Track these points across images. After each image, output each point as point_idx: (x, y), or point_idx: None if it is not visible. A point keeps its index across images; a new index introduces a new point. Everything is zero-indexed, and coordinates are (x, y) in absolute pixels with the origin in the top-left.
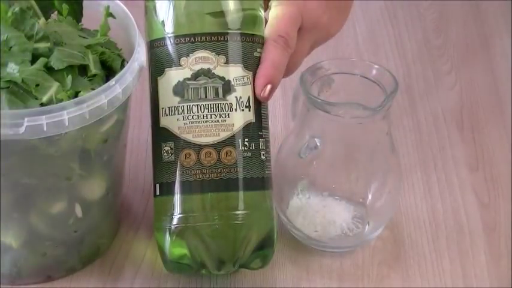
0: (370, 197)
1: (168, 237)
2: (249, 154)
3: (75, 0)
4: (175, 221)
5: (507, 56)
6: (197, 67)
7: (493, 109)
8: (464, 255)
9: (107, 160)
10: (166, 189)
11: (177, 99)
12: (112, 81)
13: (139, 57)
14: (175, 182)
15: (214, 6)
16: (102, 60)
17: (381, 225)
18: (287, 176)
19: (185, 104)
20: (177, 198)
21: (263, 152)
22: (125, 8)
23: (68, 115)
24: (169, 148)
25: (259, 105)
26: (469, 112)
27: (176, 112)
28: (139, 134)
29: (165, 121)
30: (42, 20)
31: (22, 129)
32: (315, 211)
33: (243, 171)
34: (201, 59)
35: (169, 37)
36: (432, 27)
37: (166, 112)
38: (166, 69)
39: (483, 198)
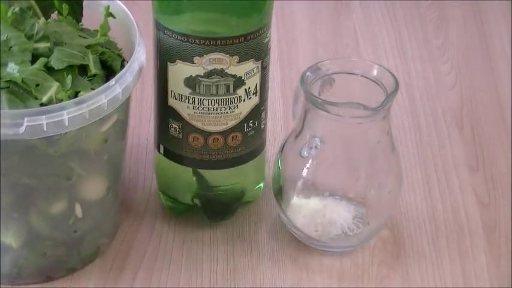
0: (370, 197)
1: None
2: (253, 132)
3: (75, 0)
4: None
5: (507, 56)
6: (210, 67)
7: (493, 109)
8: (464, 255)
9: (107, 160)
10: (172, 157)
11: (188, 90)
12: (112, 81)
13: (139, 57)
14: (182, 155)
15: (231, 9)
16: (102, 60)
17: (381, 225)
18: (287, 176)
19: (196, 97)
20: (182, 167)
21: (263, 122)
22: (125, 8)
23: (68, 115)
24: (177, 127)
25: (263, 87)
26: (469, 112)
27: (186, 101)
28: (139, 134)
29: (174, 103)
30: (42, 20)
31: (22, 129)
32: (315, 211)
33: (247, 147)
34: (215, 60)
35: (184, 34)
36: (432, 27)
37: (176, 97)
38: (178, 60)
39: (483, 198)
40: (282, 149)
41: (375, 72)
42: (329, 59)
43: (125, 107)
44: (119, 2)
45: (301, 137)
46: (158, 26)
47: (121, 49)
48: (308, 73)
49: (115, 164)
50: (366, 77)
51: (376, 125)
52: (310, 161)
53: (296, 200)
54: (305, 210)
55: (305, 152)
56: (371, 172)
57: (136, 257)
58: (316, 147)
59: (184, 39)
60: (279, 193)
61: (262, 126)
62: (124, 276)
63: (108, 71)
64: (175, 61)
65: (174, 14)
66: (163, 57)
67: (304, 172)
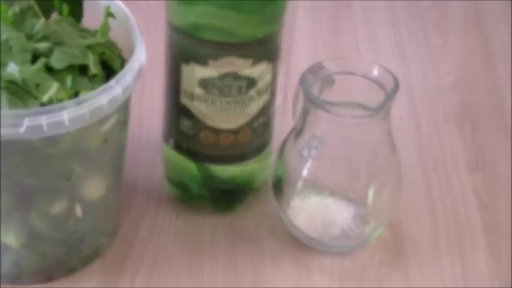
0: (370, 197)
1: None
2: (262, 128)
3: (75, 0)
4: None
5: (507, 56)
6: (224, 70)
7: (493, 109)
8: (464, 255)
9: (107, 160)
10: (182, 151)
11: (201, 90)
12: (112, 81)
13: (139, 57)
14: (192, 150)
15: (246, 17)
16: (102, 60)
17: (381, 225)
18: (287, 176)
19: (209, 97)
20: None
21: (272, 117)
22: (125, 8)
23: (68, 115)
24: (189, 124)
25: (274, 85)
26: (469, 112)
27: (199, 100)
28: (139, 134)
29: (186, 101)
30: (42, 20)
31: (22, 129)
32: (316, 211)
33: (256, 142)
34: (229, 63)
35: (199, 38)
36: (432, 27)
37: (188, 96)
38: (192, 62)
39: (483, 198)
40: (282, 149)
41: (375, 72)
42: (329, 59)
43: (125, 107)
44: (118, 2)
45: (301, 137)
46: (172, 28)
47: (121, 49)
48: (308, 73)
49: (115, 164)
50: (366, 77)
51: (376, 125)
52: (310, 161)
53: (296, 200)
54: (305, 210)
55: (305, 152)
56: (371, 172)
57: (136, 257)
58: (316, 147)
59: (199, 42)
60: (279, 193)
61: (271, 121)
62: (124, 276)
63: (108, 71)
64: (189, 62)
65: (190, 18)
66: (177, 58)
67: (304, 172)
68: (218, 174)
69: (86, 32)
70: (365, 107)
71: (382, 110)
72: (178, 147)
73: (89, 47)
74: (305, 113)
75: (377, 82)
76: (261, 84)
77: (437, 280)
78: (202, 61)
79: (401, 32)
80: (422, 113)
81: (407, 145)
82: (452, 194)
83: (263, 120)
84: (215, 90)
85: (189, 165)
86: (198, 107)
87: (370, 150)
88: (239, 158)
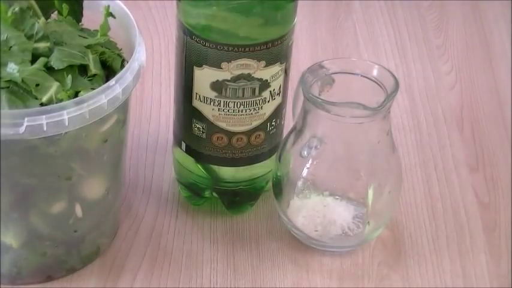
0: (370, 197)
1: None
2: (274, 130)
3: (75, 0)
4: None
5: (507, 56)
6: (238, 72)
7: (493, 109)
8: (464, 255)
9: (107, 160)
10: (195, 154)
11: (214, 93)
12: (112, 81)
13: (140, 57)
14: (205, 153)
15: (257, 20)
16: (102, 60)
17: (381, 225)
18: (287, 176)
19: (222, 100)
20: (205, 165)
21: (283, 119)
22: (125, 8)
23: (68, 115)
24: (201, 127)
25: (286, 86)
26: (469, 112)
27: (212, 103)
28: (139, 134)
29: (198, 104)
30: (42, 20)
31: (22, 129)
32: (316, 211)
33: (269, 145)
34: (242, 65)
35: (212, 41)
36: (432, 27)
37: (201, 99)
38: (205, 65)
39: (483, 198)
40: (282, 149)
41: (375, 72)
42: (329, 59)
43: (124, 107)
44: (119, 2)
45: (301, 137)
46: (185, 31)
47: (121, 49)
48: (308, 73)
49: (115, 164)
50: (366, 77)
51: (376, 125)
52: (310, 161)
53: (296, 200)
54: (305, 210)
55: (305, 152)
56: (371, 172)
57: (136, 257)
58: (316, 147)
59: (212, 45)
60: (279, 193)
61: (283, 123)
62: (124, 276)
63: (108, 71)
64: (202, 66)
65: (203, 21)
66: (190, 62)
67: (304, 172)
68: (230, 177)
69: (85, 32)
70: (365, 107)
71: (382, 110)
72: (191, 150)
73: (89, 46)
74: (305, 113)
75: (377, 82)
76: (274, 85)
77: (437, 280)
78: (216, 64)
79: (401, 32)
80: (422, 113)
81: (407, 145)
82: (452, 194)
83: (276, 122)
84: (228, 92)
85: (201, 168)
86: (211, 110)
87: (370, 150)
88: (252, 160)
